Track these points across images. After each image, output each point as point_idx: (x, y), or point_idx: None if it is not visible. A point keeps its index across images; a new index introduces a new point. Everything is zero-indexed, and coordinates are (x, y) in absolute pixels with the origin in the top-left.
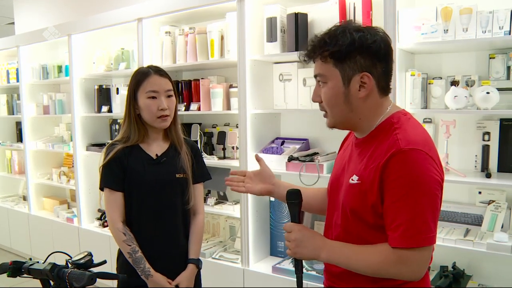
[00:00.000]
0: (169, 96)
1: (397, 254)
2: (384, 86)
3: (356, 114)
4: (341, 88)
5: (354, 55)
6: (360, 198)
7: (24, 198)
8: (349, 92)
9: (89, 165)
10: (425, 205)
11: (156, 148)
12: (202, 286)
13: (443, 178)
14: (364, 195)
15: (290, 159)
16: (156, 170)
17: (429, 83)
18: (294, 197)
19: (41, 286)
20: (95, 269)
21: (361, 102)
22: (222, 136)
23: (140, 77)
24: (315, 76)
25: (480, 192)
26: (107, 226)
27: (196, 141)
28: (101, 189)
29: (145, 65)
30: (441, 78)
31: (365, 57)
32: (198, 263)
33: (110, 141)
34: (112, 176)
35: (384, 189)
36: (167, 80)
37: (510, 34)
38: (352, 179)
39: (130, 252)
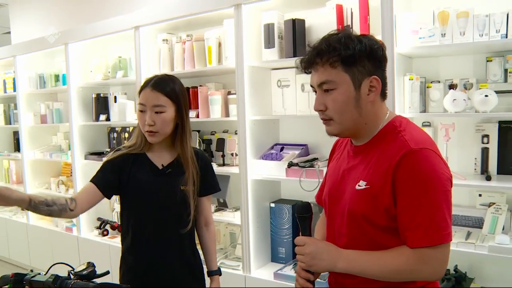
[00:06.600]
0: (157, 112)
1: (419, 254)
2: (384, 91)
3: (363, 119)
4: (352, 92)
5: (363, 60)
6: (371, 202)
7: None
8: (359, 97)
9: (87, 174)
10: (441, 202)
11: (162, 158)
12: None
13: (451, 175)
14: (375, 199)
15: (290, 165)
16: (161, 181)
17: (427, 87)
18: (305, 210)
19: None
20: (98, 280)
21: (370, 106)
22: (221, 143)
23: (141, 87)
24: (320, 84)
25: (480, 195)
26: (106, 235)
27: None
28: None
29: (143, 73)
30: (439, 81)
31: (371, 61)
32: (220, 273)
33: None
34: (101, 176)
35: (398, 190)
36: (159, 95)
37: (507, 37)
38: (359, 185)
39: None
